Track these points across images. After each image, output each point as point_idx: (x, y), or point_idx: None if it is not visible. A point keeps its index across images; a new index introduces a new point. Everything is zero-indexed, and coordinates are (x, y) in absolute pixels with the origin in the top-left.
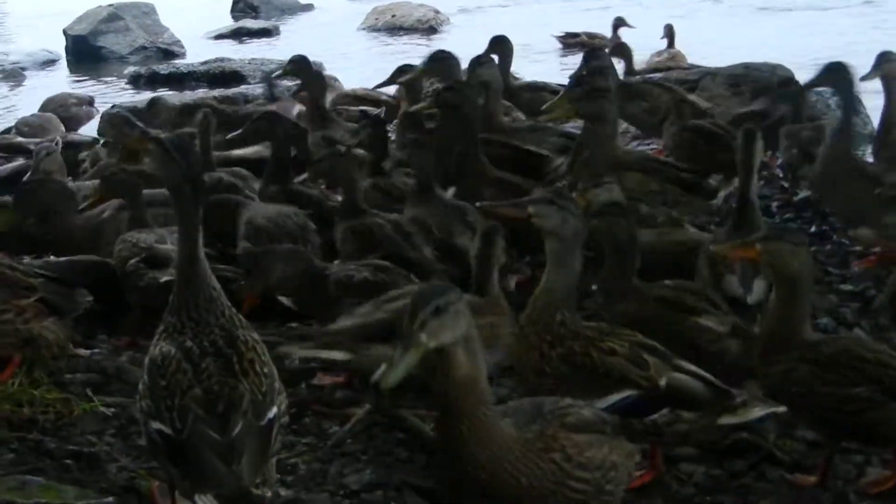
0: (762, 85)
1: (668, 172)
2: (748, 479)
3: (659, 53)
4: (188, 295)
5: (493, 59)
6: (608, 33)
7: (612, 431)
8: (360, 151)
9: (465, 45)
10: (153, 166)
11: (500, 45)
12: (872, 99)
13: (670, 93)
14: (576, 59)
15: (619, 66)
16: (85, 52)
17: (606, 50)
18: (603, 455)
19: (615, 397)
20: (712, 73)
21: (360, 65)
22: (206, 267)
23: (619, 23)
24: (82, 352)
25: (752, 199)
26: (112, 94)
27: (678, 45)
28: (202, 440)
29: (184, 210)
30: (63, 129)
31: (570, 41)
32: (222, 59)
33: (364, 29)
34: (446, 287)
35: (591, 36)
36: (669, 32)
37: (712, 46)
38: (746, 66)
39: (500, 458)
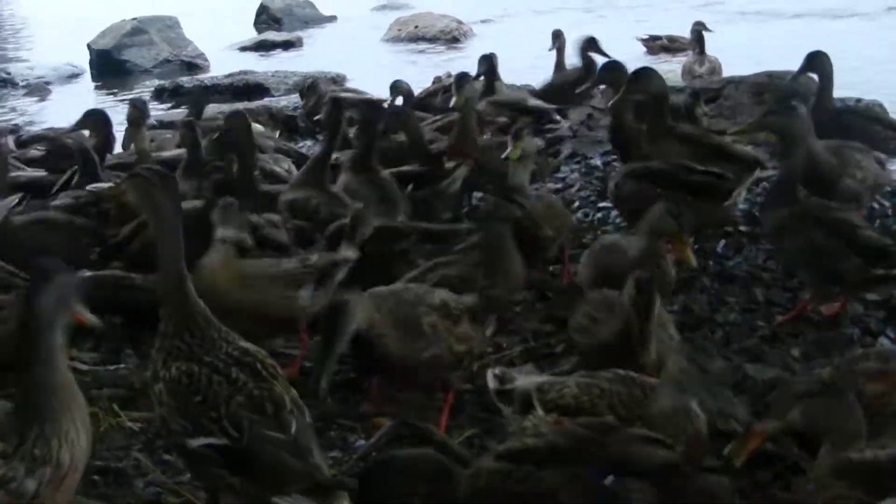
0: (786, 92)
1: (671, 179)
2: (774, 489)
3: (694, 61)
4: (183, 316)
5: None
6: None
7: None
8: None
9: None
10: (134, 198)
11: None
12: None
13: None
14: (657, 62)
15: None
16: (109, 66)
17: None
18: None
19: None
20: (736, 82)
21: (384, 76)
22: (191, 285)
23: (697, 26)
24: (80, 365)
25: None
26: None
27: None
28: (268, 442)
29: (166, 232)
30: None
31: (652, 44)
32: (246, 72)
33: (387, 40)
34: None
35: (672, 39)
36: (699, 36)
37: (728, 54)
38: (770, 75)
39: None
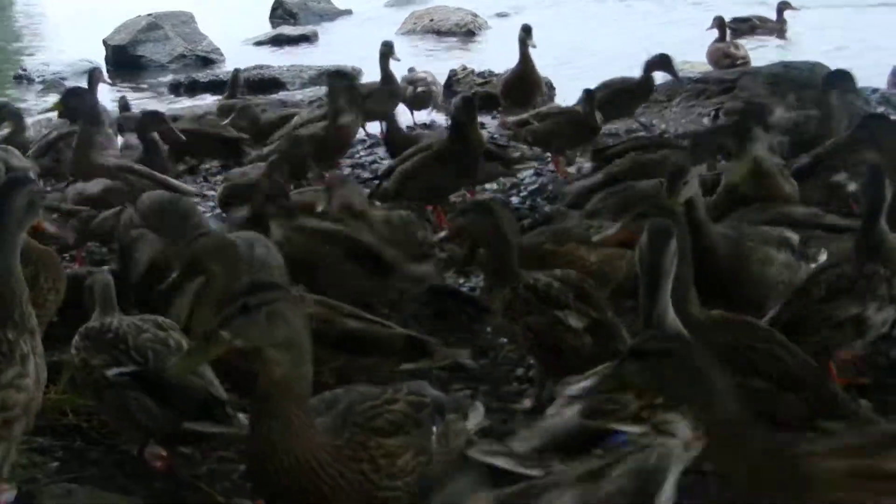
0: (801, 84)
1: None
2: None
3: (718, 48)
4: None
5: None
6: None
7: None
8: None
9: (503, 48)
10: None
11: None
12: None
13: None
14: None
15: None
16: (125, 62)
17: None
18: (412, 460)
19: None
20: (752, 73)
21: (400, 70)
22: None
23: (783, 6)
24: None
25: None
26: (153, 102)
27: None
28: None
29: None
30: None
31: (741, 26)
32: (261, 66)
33: (402, 34)
34: (268, 286)
35: (763, 20)
36: (720, 24)
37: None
38: (786, 65)
39: (307, 462)
